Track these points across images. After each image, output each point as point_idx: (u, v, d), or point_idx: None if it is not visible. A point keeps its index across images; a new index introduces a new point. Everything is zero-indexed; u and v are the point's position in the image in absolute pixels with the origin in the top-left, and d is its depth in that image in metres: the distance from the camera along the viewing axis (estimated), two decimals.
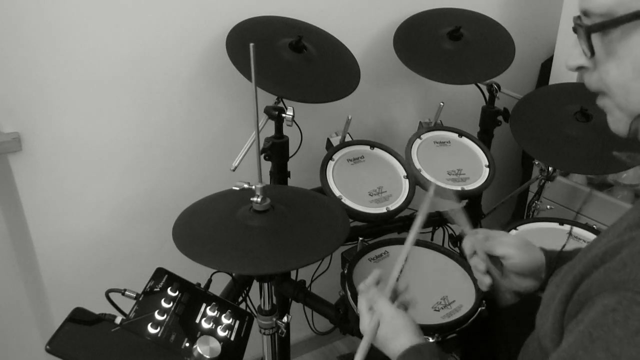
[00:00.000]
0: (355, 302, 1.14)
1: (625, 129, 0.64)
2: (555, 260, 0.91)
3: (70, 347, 0.80)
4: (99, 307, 0.91)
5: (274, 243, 1.00)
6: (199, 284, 1.04)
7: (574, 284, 0.62)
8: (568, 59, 0.65)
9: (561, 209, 1.82)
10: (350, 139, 1.45)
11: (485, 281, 0.95)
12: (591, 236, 1.35)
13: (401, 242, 1.34)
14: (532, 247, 0.94)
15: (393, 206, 1.32)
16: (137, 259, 1.50)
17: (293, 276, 1.44)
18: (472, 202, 1.66)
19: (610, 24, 0.58)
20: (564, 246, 0.93)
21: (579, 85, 1.51)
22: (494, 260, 0.95)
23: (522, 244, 0.94)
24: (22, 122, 1.23)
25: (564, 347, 0.59)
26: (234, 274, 1.27)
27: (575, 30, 0.63)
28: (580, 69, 0.65)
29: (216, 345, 0.90)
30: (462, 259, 1.26)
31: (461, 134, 1.53)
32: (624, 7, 0.56)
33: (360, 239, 1.33)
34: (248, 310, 1.28)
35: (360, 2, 1.57)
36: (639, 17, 0.56)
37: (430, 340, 1.06)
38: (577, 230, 1.38)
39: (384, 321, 0.83)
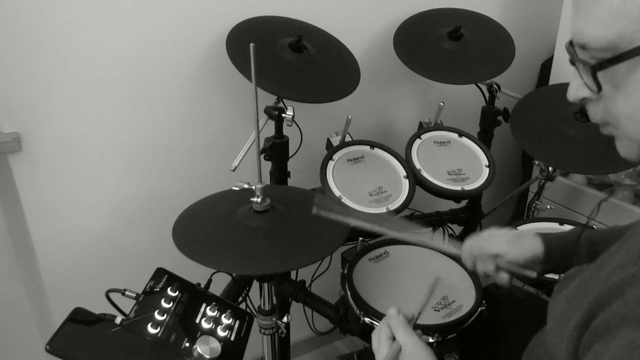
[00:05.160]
0: (355, 302, 1.14)
1: (636, 156, 0.62)
2: (570, 247, 0.91)
3: (70, 347, 0.80)
4: (99, 307, 0.91)
5: (274, 243, 1.00)
6: (199, 284, 1.04)
7: (590, 311, 0.60)
8: (569, 92, 0.63)
9: (561, 209, 1.82)
10: (350, 139, 1.45)
11: (503, 277, 0.96)
12: None
13: (401, 242, 1.34)
14: (523, 238, 0.95)
15: (393, 206, 1.32)
16: (137, 259, 1.50)
17: (293, 276, 1.44)
18: (472, 202, 1.66)
19: (615, 61, 0.55)
20: (577, 241, 0.93)
21: None
22: (492, 257, 0.96)
23: (511, 238, 0.95)
24: (22, 122, 1.23)
25: None
26: (234, 274, 1.27)
27: (572, 63, 0.61)
28: (583, 99, 0.63)
29: (216, 345, 0.90)
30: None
31: (461, 134, 1.53)
32: (626, 41, 0.54)
33: (360, 239, 1.33)
34: (248, 310, 1.28)
35: (360, 2, 1.57)
36: None
37: (430, 340, 1.06)
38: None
39: (407, 351, 0.79)
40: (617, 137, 0.64)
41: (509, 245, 0.94)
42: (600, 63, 0.57)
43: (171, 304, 0.95)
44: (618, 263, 0.63)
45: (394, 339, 0.82)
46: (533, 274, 0.94)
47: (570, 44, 0.61)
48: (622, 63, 0.55)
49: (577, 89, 0.62)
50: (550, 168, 1.59)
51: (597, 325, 0.59)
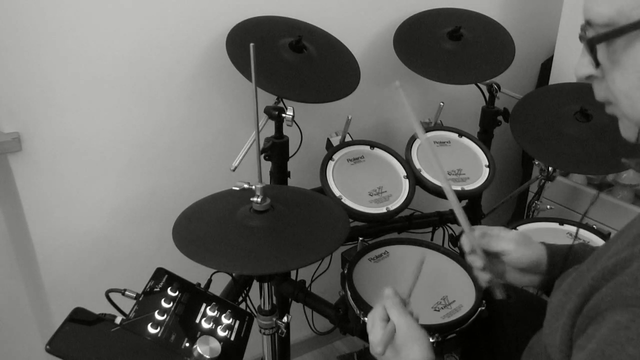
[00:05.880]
0: (355, 302, 1.14)
1: (634, 135, 0.64)
2: (563, 257, 0.91)
3: (70, 347, 0.80)
4: (99, 307, 0.91)
5: (274, 243, 1.00)
6: (199, 284, 1.04)
7: (584, 297, 0.61)
8: (577, 69, 0.65)
9: (561, 209, 1.82)
10: (350, 139, 1.45)
11: (483, 277, 0.95)
12: (591, 236, 1.35)
13: (401, 242, 1.34)
14: (531, 243, 0.94)
15: (393, 206, 1.32)
16: (137, 259, 1.50)
17: (293, 276, 1.44)
18: (472, 202, 1.66)
19: (612, 35, 0.57)
20: (572, 246, 0.92)
21: (578, 85, 1.51)
22: (493, 256, 0.95)
23: (520, 239, 0.94)
24: (22, 122, 1.23)
25: None
26: (234, 274, 1.27)
27: (581, 39, 0.63)
28: (589, 77, 0.64)
29: (216, 345, 0.90)
30: (462, 259, 1.26)
31: (461, 134, 1.53)
32: (625, 17, 0.56)
33: (360, 239, 1.33)
34: (248, 310, 1.28)
35: (360, 2, 1.57)
36: None
37: (430, 340, 1.06)
38: (574, 229, 1.38)
39: (401, 332, 0.80)
40: (618, 116, 0.65)
41: (517, 245, 0.93)
42: (598, 37, 0.59)
43: (171, 304, 0.95)
44: (613, 252, 0.64)
45: (388, 320, 0.82)
46: (504, 296, 0.94)
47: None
48: (620, 38, 0.57)
49: (584, 66, 0.64)
50: (550, 168, 1.59)
51: (589, 309, 0.60)
